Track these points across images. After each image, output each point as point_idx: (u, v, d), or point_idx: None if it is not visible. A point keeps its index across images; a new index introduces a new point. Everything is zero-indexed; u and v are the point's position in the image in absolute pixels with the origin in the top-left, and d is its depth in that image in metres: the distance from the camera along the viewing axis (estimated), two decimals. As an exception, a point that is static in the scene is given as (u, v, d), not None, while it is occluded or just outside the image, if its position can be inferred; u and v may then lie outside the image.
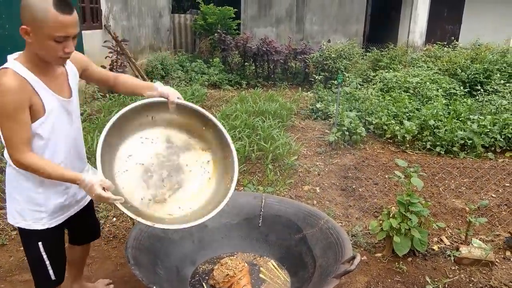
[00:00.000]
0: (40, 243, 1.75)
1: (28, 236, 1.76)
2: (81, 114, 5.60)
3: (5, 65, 1.55)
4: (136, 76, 7.97)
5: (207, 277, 2.34)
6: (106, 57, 7.37)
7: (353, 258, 1.93)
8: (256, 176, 4.16)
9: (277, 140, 4.76)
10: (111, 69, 7.44)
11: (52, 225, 1.76)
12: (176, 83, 8.35)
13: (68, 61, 1.71)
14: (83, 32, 6.88)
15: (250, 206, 2.62)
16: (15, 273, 2.65)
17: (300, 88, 8.72)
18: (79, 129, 1.87)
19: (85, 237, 2.21)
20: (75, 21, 1.54)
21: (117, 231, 3.15)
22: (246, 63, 10.00)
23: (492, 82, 7.23)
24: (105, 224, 3.23)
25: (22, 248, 2.88)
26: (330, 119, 6.26)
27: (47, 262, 1.79)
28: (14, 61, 1.57)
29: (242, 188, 3.74)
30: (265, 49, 9.25)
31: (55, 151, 1.70)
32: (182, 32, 13.57)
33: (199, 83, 8.56)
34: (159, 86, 1.99)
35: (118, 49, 7.51)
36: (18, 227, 1.76)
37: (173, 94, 1.98)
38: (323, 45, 9.28)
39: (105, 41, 7.39)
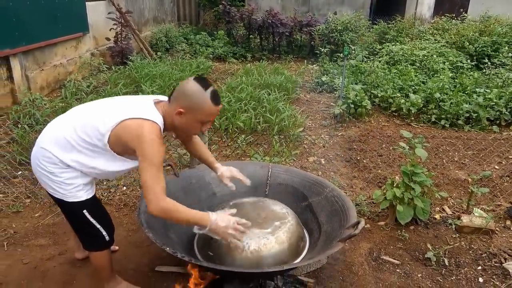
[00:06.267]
0: (85, 211, 1.92)
1: (72, 208, 1.91)
2: (87, 87, 5.68)
3: (154, 118, 1.73)
4: (141, 49, 7.93)
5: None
6: (110, 29, 7.33)
7: (358, 223, 2.00)
8: (262, 147, 4.22)
9: (282, 113, 4.79)
10: (115, 42, 7.40)
11: (90, 196, 1.94)
12: (181, 56, 8.32)
13: None
14: (87, 3, 6.82)
15: (257, 175, 2.68)
16: (31, 238, 2.75)
17: (305, 61, 8.65)
18: None
19: None
20: (219, 110, 1.85)
21: (128, 199, 3.24)
22: (251, 36, 9.90)
23: (500, 55, 7.15)
24: (115, 193, 3.33)
25: (36, 214, 3.01)
26: (335, 92, 6.26)
27: (98, 226, 1.97)
28: (160, 116, 1.77)
29: (249, 158, 3.81)
30: (270, 21, 9.15)
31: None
32: (186, 3, 13.39)
33: (204, 56, 8.52)
34: (220, 167, 2.29)
35: (122, 21, 7.45)
36: (62, 201, 1.89)
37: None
38: (329, 17, 9.15)
39: (109, 13, 7.34)
